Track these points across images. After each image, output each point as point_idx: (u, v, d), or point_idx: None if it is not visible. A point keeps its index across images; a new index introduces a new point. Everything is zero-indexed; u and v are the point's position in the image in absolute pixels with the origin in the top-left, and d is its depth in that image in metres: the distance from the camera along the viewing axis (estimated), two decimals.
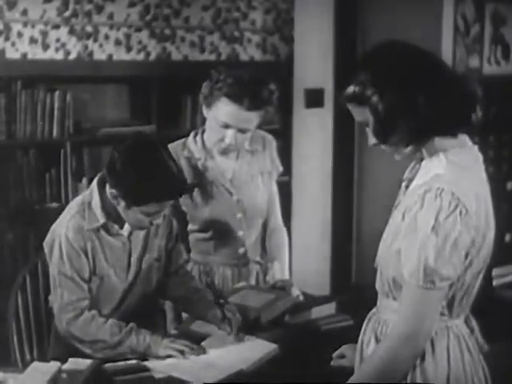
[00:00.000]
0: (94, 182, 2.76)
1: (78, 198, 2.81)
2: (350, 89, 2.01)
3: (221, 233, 3.10)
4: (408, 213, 1.97)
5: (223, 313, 2.79)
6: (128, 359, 2.62)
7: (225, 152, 3.05)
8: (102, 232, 2.74)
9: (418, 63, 1.99)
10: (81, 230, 2.70)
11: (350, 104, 2.04)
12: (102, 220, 2.71)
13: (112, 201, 2.68)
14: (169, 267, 2.93)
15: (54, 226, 2.77)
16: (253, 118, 2.91)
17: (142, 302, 2.89)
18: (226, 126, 2.92)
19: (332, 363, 2.45)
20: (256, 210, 3.15)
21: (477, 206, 1.94)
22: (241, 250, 3.14)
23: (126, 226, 2.78)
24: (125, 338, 2.66)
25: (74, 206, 2.77)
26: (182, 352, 2.62)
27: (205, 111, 2.99)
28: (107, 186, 2.68)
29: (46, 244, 2.78)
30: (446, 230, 1.90)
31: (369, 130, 2.05)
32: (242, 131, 2.94)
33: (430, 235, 1.90)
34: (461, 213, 1.90)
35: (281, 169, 3.27)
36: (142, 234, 2.82)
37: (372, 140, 2.05)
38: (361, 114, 2.03)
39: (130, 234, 2.80)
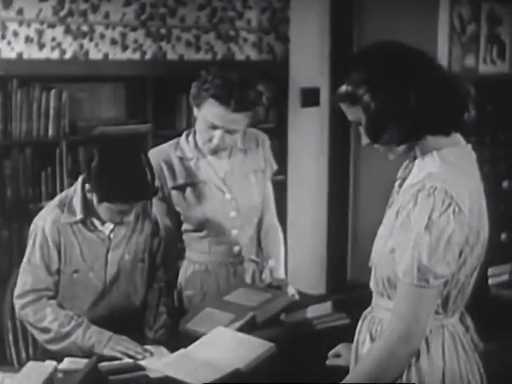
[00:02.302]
0: (79, 179, 2.83)
1: (62, 194, 2.90)
2: (343, 88, 2.01)
3: (215, 232, 3.10)
4: (401, 211, 1.97)
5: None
6: (75, 356, 2.64)
7: (214, 152, 3.05)
8: (80, 227, 2.80)
9: (410, 62, 1.99)
10: (57, 223, 2.78)
11: (342, 103, 2.04)
12: (79, 215, 2.78)
13: (87, 194, 2.75)
14: (153, 270, 2.98)
15: (35, 219, 2.85)
16: (240, 119, 2.91)
17: (128, 301, 2.92)
18: (214, 127, 2.93)
19: (327, 362, 2.46)
20: (250, 208, 3.15)
21: (470, 204, 1.94)
22: (235, 249, 3.14)
23: (108, 224, 2.83)
24: (72, 331, 2.71)
25: (55, 200, 2.86)
26: (127, 354, 2.63)
27: (195, 111, 3.00)
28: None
29: (29, 236, 2.85)
30: (440, 228, 1.90)
31: (362, 130, 2.05)
32: (230, 132, 2.95)
33: (424, 234, 1.90)
34: (454, 211, 1.91)
35: (275, 167, 3.28)
36: (123, 232, 2.87)
37: (365, 139, 2.06)
38: (354, 114, 2.03)
39: (111, 231, 2.85)
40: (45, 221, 2.79)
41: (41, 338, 2.78)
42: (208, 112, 2.90)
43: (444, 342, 2.03)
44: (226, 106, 2.86)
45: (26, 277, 2.81)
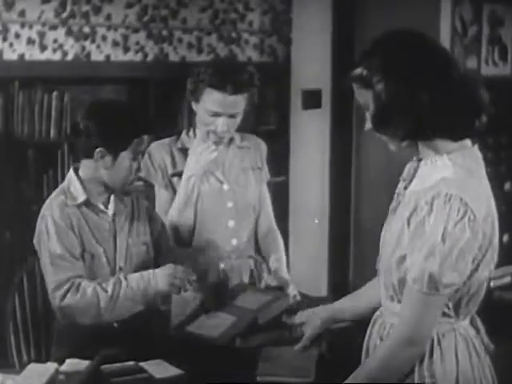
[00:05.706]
0: (70, 170, 2.84)
1: (57, 188, 2.87)
2: (358, 70, 1.98)
3: (212, 222, 3.12)
4: (414, 218, 1.94)
5: None
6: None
7: (219, 140, 3.11)
8: (87, 210, 2.79)
9: (431, 60, 1.94)
10: (65, 207, 2.76)
11: (355, 84, 2.01)
12: (83, 196, 2.78)
13: (100, 167, 2.75)
14: (158, 257, 2.96)
15: (40, 216, 2.79)
16: (238, 101, 3.03)
17: None
18: (215, 115, 3.03)
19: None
20: (247, 202, 3.21)
21: (484, 210, 1.92)
22: (233, 242, 3.16)
23: (111, 206, 2.83)
24: (119, 280, 2.72)
25: (56, 191, 2.84)
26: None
27: (194, 107, 3.10)
28: (95, 155, 2.74)
29: (35, 237, 2.80)
30: (454, 238, 1.88)
31: (368, 115, 2.02)
32: (232, 116, 3.04)
33: (439, 243, 1.88)
34: (469, 219, 1.88)
35: (268, 176, 3.37)
36: (124, 215, 2.87)
37: (368, 125, 2.03)
38: (363, 97, 2.00)
39: (114, 214, 2.84)
40: (52, 209, 2.75)
41: (86, 316, 2.70)
42: (208, 101, 3.02)
43: (457, 345, 2.02)
44: (223, 90, 2.98)
45: (55, 269, 2.72)
